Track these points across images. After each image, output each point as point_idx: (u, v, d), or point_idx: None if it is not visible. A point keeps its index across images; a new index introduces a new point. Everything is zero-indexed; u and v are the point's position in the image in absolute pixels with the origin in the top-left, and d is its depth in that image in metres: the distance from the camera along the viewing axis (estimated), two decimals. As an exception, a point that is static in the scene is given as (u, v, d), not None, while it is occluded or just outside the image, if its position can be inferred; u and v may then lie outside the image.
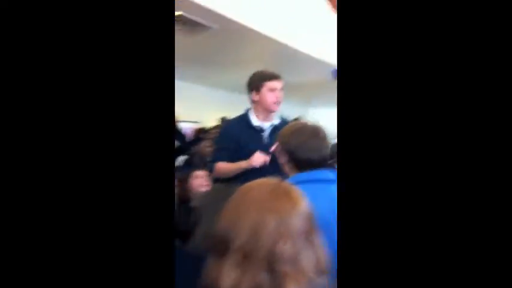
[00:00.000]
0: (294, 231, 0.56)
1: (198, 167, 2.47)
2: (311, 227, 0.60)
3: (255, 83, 1.73)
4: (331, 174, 1.05)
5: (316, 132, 1.10)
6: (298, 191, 0.63)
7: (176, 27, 2.71)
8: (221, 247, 0.56)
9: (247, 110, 1.80)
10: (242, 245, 0.54)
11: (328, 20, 3.21)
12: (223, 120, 5.05)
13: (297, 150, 1.07)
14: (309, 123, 1.15)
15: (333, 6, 3.14)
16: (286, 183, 0.64)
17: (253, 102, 1.76)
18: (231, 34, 2.96)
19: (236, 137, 1.69)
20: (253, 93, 1.73)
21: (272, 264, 0.53)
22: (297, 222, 0.57)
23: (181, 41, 3.14)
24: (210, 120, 5.22)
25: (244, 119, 1.77)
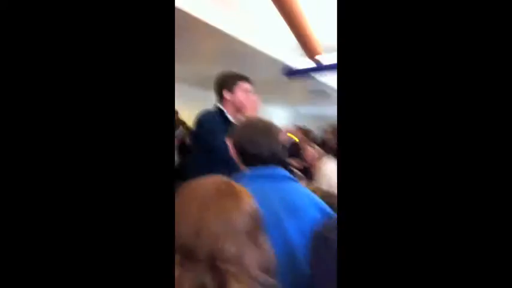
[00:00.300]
0: (236, 230, 0.56)
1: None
2: (256, 226, 0.60)
3: (228, 82, 1.79)
4: (282, 171, 1.06)
5: (267, 129, 1.11)
6: (243, 189, 0.63)
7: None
8: (188, 257, 0.54)
9: (218, 107, 1.82)
10: (183, 244, 0.53)
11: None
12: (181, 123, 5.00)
13: (247, 145, 1.07)
14: (262, 120, 1.15)
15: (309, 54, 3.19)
16: (232, 181, 0.64)
17: (224, 100, 1.80)
18: (181, 26, 2.91)
19: (221, 124, 1.70)
20: (225, 91, 1.79)
21: (214, 264, 0.52)
22: (240, 220, 0.57)
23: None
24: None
25: (221, 114, 1.78)
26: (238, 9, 3.07)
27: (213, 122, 1.74)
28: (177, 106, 5.19)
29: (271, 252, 0.60)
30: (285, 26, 2.72)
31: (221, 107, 1.82)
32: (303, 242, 0.84)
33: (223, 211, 0.57)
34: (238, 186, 0.63)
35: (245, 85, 1.82)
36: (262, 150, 1.06)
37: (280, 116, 7.81)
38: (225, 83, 1.81)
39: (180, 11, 2.54)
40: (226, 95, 1.80)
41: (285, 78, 4.26)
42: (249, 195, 0.63)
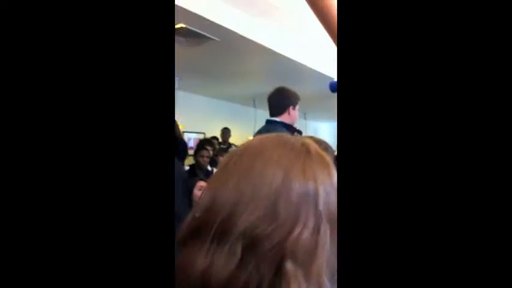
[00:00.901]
0: (323, 211, 0.38)
1: (199, 177, 2.56)
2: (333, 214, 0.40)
3: (294, 99, 1.97)
4: None
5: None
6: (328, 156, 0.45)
7: (178, 39, 2.81)
8: (221, 231, 0.38)
9: (274, 122, 1.93)
10: (249, 229, 0.36)
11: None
12: (225, 130, 5.15)
13: None
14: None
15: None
16: (314, 145, 0.45)
17: (285, 115, 1.93)
18: (232, 46, 3.04)
19: None
20: (291, 108, 1.95)
21: (281, 258, 0.36)
22: (329, 197, 0.39)
23: (184, 52, 3.24)
24: (214, 130, 5.31)
25: (283, 125, 1.90)
26: (285, 27, 3.16)
27: None
28: (229, 124, 5.35)
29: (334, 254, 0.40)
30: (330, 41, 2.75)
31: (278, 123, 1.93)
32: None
33: (313, 178, 0.39)
34: (322, 152, 0.44)
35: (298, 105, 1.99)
36: None
37: (325, 131, 7.74)
38: (292, 100, 1.97)
39: (230, 31, 2.68)
40: (292, 111, 1.95)
41: (330, 93, 4.25)
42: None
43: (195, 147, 5.08)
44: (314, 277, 0.36)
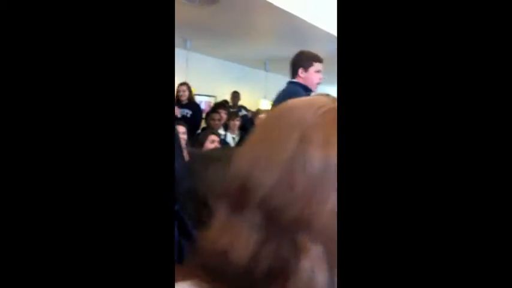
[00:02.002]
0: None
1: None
2: None
3: (305, 62, 1.96)
4: None
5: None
6: None
7: (189, 0, 2.75)
8: (239, 199, 0.35)
9: (292, 82, 1.96)
10: (268, 197, 0.33)
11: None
12: (235, 94, 5.12)
13: None
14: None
15: None
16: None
17: (297, 77, 1.95)
18: (242, 6, 2.98)
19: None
20: (301, 70, 1.94)
21: (295, 233, 0.32)
22: None
23: (194, 13, 3.18)
24: (224, 93, 5.29)
25: (300, 86, 1.93)
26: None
27: (293, 93, 1.89)
28: (238, 88, 5.31)
29: None
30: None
31: (294, 83, 1.95)
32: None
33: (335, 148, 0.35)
34: None
35: (318, 65, 1.97)
36: None
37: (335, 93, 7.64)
38: (302, 63, 1.96)
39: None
40: (301, 73, 1.95)
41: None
42: None
43: (206, 111, 5.11)
44: (332, 254, 0.33)
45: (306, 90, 1.91)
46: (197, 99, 5.33)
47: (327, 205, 0.33)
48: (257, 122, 0.45)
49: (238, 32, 3.97)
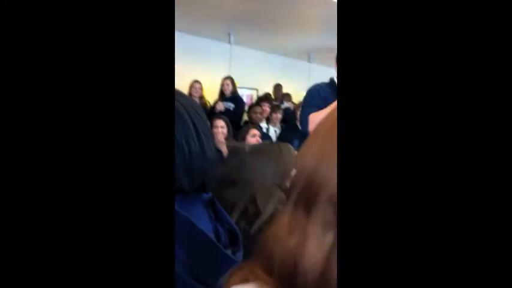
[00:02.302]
0: None
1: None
2: None
3: None
4: None
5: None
6: None
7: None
8: (307, 197, 0.34)
9: (331, 79, 1.89)
10: (337, 194, 0.33)
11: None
12: (277, 87, 5.08)
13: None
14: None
15: None
16: None
17: None
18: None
19: (325, 98, 1.78)
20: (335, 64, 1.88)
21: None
22: None
23: (236, 6, 3.17)
24: (267, 86, 5.27)
25: (332, 85, 1.85)
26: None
27: (310, 97, 1.85)
28: (281, 80, 5.27)
29: None
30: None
31: (335, 79, 1.85)
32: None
33: None
34: None
35: None
36: None
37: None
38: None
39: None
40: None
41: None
42: None
43: (249, 104, 5.13)
44: None
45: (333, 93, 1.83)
46: (239, 92, 5.38)
47: None
48: (321, 119, 0.44)
49: (281, 23, 3.92)
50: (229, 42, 4.69)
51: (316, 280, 0.31)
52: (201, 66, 4.55)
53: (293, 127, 3.43)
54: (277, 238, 0.35)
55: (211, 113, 3.53)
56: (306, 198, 0.34)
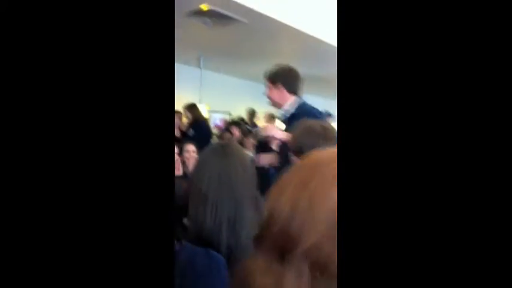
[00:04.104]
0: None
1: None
2: None
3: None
4: None
5: (325, 133, 1.12)
6: None
7: (204, 19, 2.76)
8: (282, 246, 0.34)
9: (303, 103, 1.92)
10: (314, 248, 0.33)
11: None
12: (250, 111, 5.10)
13: (307, 151, 1.10)
14: (318, 124, 1.17)
15: None
16: None
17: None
18: (259, 27, 2.97)
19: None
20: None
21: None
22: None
23: (209, 32, 3.18)
24: (239, 110, 5.28)
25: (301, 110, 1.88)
26: (310, 5, 3.05)
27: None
28: (254, 104, 5.31)
29: None
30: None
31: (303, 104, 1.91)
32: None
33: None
34: None
35: None
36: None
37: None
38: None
39: (257, 13, 2.60)
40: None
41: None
42: None
43: (221, 127, 5.09)
44: None
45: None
46: (212, 116, 5.35)
47: None
48: (291, 169, 0.45)
49: (251, 52, 3.98)
50: (200, 66, 4.69)
51: None
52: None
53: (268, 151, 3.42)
54: (252, 281, 0.35)
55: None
56: (280, 247, 0.34)
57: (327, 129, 1.14)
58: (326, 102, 6.58)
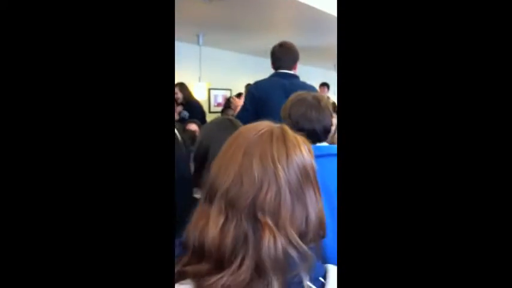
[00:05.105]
0: (282, 180, 0.51)
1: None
2: (304, 181, 0.54)
3: (298, 57, 2.05)
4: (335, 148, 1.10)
5: (316, 103, 1.15)
6: (299, 137, 0.58)
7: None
8: (210, 194, 0.53)
9: (292, 76, 2.01)
10: (226, 192, 0.51)
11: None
12: (248, 86, 5.07)
13: (299, 121, 1.13)
14: (310, 94, 1.21)
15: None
16: (284, 127, 0.58)
17: (294, 69, 2.04)
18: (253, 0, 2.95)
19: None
20: (297, 63, 2.03)
21: (255, 213, 0.50)
22: (287, 170, 0.52)
23: (208, 7, 3.16)
24: (240, 86, 5.27)
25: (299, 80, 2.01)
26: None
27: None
28: (254, 79, 5.28)
29: (314, 216, 0.53)
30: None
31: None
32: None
33: (271, 158, 0.52)
34: (292, 133, 0.57)
35: None
36: (313, 125, 1.12)
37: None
38: (298, 55, 2.03)
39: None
40: (297, 65, 2.02)
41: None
42: (305, 144, 0.57)
43: (223, 104, 5.08)
44: (282, 227, 0.50)
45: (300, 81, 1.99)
46: (212, 93, 5.34)
47: (269, 193, 0.51)
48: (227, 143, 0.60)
49: (251, 25, 3.93)
50: (198, 43, 4.65)
51: (216, 247, 0.50)
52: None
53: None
54: (192, 223, 0.54)
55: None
56: (210, 196, 0.54)
57: (318, 99, 1.18)
58: (323, 72, 6.54)
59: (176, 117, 3.42)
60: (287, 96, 1.75)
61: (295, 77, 1.98)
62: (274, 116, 1.71)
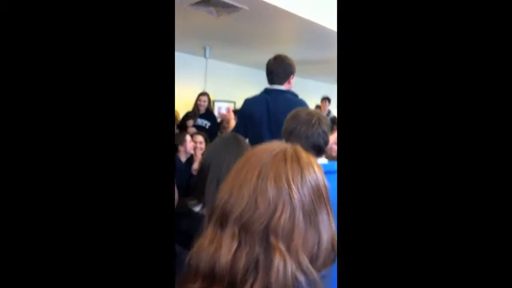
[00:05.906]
0: (296, 200, 0.50)
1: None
2: (320, 201, 0.53)
3: (295, 69, 2.02)
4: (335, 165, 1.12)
5: (308, 120, 1.20)
6: (312, 158, 0.57)
7: (208, 9, 2.86)
8: (222, 218, 0.52)
9: (282, 92, 1.99)
10: (240, 216, 0.50)
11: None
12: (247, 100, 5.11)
13: (289, 137, 1.19)
14: (305, 111, 1.25)
15: None
16: (297, 147, 0.57)
17: (288, 84, 2.01)
18: (260, 14, 3.06)
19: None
20: (291, 77, 1.99)
21: (268, 237, 0.48)
22: (301, 190, 0.51)
23: (214, 21, 3.28)
24: (244, 99, 5.35)
25: (292, 94, 1.98)
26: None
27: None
28: (258, 92, 5.36)
29: (326, 239, 0.52)
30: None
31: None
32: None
33: (285, 178, 0.51)
34: (306, 154, 0.56)
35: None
36: (302, 142, 1.14)
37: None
38: (294, 69, 2.01)
39: (262, 1, 2.69)
40: (291, 80, 2.00)
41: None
42: (318, 165, 0.56)
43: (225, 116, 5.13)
44: (293, 251, 0.48)
45: (296, 96, 1.95)
46: (216, 105, 5.42)
47: (283, 216, 0.49)
48: (238, 162, 0.57)
49: (256, 39, 4.05)
50: (205, 56, 4.78)
51: (228, 272, 0.48)
52: (177, 80, 4.57)
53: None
54: (201, 247, 0.51)
55: (182, 127, 3.52)
56: (221, 220, 0.52)
57: (311, 116, 1.23)
58: (325, 85, 6.63)
59: (191, 123, 3.53)
60: (268, 112, 1.82)
61: (283, 92, 1.93)
62: (257, 131, 1.76)
